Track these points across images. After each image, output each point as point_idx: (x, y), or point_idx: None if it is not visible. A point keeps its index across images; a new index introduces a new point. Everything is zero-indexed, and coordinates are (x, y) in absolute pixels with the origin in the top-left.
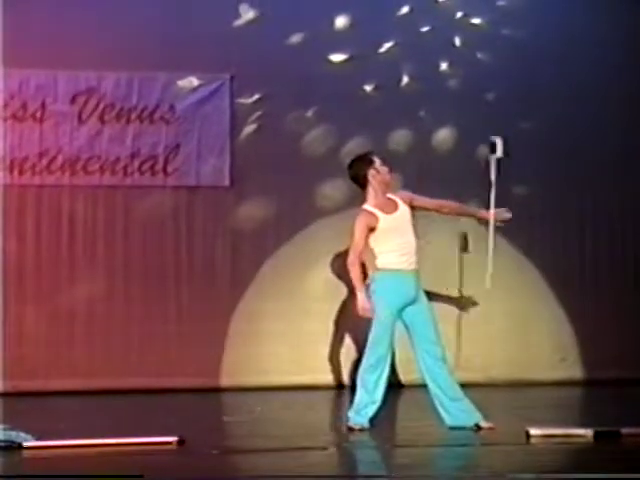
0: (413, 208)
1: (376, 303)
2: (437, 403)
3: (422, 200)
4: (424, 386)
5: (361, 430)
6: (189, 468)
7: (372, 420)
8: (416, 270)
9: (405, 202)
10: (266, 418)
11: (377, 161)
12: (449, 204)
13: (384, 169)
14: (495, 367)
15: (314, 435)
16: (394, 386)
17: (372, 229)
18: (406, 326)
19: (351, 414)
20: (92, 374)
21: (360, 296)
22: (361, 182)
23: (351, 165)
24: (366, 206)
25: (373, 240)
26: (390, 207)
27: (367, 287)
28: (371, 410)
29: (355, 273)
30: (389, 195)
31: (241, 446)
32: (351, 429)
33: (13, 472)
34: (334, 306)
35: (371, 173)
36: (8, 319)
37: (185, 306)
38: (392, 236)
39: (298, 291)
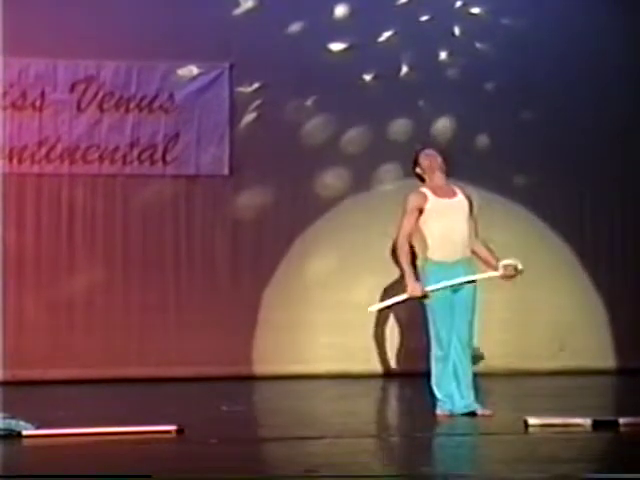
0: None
1: (429, 303)
2: (454, 386)
3: (471, 219)
4: (421, 375)
5: (450, 416)
6: (188, 457)
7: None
8: (466, 258)
9: (466, 197)
10: (264, 408)
11: (422, 154)
12: (480, 247)
13: (424, 157)
14: (494, 356)
15: (313, 424)
16: (390, 375)
17: (421, 210)
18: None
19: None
20: (91, 363)
21: (409, 281)
22: (420, 177)
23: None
24: (421, 188)
25: (422, 222)
26: (446, 193)
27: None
28: (458, 397)
29: (403, 256)
30: (452, 185)
31: (240, 435)
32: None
33: (13, 461)
34: (336, 295)
35: (416, 170)
36: (7, 308)
37: (184, 295)
38: (440, 219)
39: (297, 280)
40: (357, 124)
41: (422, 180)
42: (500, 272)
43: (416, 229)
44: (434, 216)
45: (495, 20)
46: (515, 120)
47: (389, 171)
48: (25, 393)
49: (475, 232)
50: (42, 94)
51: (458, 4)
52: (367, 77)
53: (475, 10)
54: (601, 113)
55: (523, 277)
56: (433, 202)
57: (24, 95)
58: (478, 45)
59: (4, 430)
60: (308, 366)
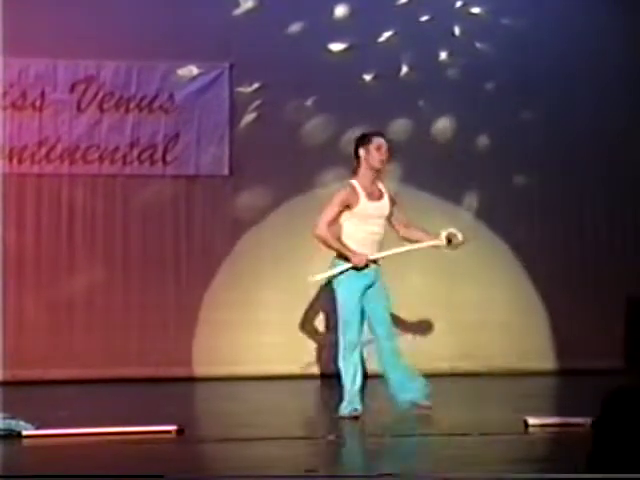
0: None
1: (338, 288)
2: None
3: (400, 212)
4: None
5: (355, 418)
6: (188, 457)
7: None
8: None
9: (390, 198)
10: (265, 407)
11: (374, 143)
12: (417, 232)
13: (377, 154)
14: (494, 356)
15: (312, 424)
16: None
17: (348, 206)
18: (364, 311)
19: (343, 403)
20: (91, 363)
21: (349, 253)
22: (355, 157)
23: (356, 140)
24: (353, 181)
25: (346, 219)
26: (375, 194)
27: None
28: (359, 397)
29: (329, 240)
30: (379, 184)
31: (240, 435)
32: (343, 418)
33: (13, 461)
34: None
35: (361, 152)
36: (7, 308)
37: (184, 295)
38: (364, 223)
39: (297, 280)
40: (357, 124)
41: (357, 163)
42: (443, 241)
43: (335, 223)
44: (358, 219)
45: (495, 20)
46: (515, 120)
47: (389, 171)
48: (25, 393)
49: (407, 222)
50: (42, 94)
51: (458, 4)
52: (367, 77)
53: (475, 10)
54: (601, 113)
55: (523, 276)
56: (363, 205)
57: (24, 95)
58: (478, 45)
59: (4, 430)
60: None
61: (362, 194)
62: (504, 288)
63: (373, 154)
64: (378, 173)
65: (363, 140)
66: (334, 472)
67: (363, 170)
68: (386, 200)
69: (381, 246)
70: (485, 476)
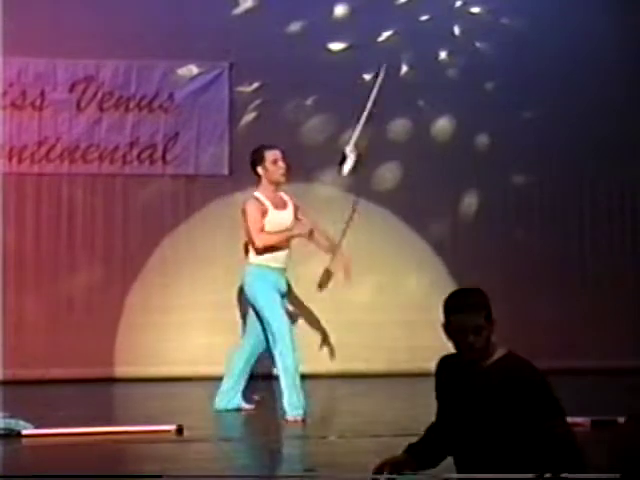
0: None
1: (256, 292)
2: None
3: (305, 217)
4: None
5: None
6: (187, 456)
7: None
8: (285, 269)
9: (293, 205)
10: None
11: (269, 159)
12: (322, 236)
13: (275, 168)
14: None
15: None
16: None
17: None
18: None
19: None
20: (91, 362)
21: (294, 231)
22: (253, 172)
23: (250, 154)
24: (256, 194)
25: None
26: (279, 203)
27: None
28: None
29: (272, 238)
30: (281, 193)
31: (238, 434)
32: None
33: (12, 460)
34: (338, 295)
35: (259, 170)
36: (7, 307)
37: (184, 295)
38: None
39: (299, 278)
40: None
41: (258, 179)
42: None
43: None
44: (269, 229)
45: (495, 20)
46: (515, 120)
47: (389, 170)
48: (25, 392)
49: (313, 226)
50: (42, 94)
51: (458, 4)
52: (367, 77)
53: (475, 10)
54: (600, 112)
55: (523, 274)
56: (271, 215)
57: (24, 95)
58: (478, 45)
59: (4, 429)
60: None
61: (269, 205)
62: (501, 287)
63: (271, 169)
64: (277, 185)
65: (257, 157)
66: (334, 472)
67: (265, 184)
68: (290, 209)
69: (288, 257)
70: (483, 476)
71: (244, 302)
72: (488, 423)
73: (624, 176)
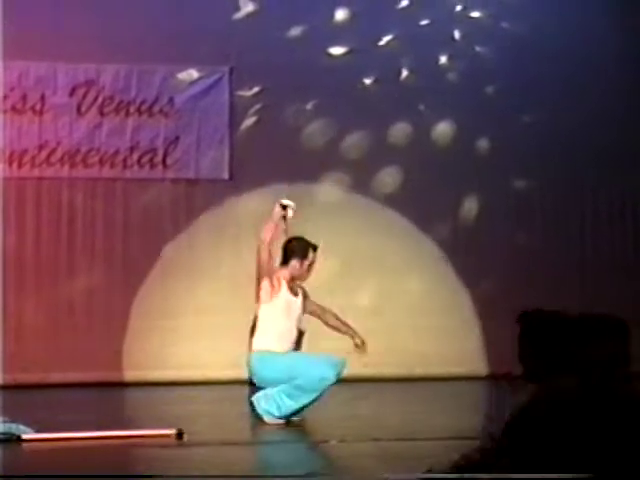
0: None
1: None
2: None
3: (313, 305)
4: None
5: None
6: (188, 460)
7: None
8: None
9: (303, 295)
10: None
11: (309, 260)
12: (331, 316)
13: (306, 273)
14: (494, 360)
15: (311, 427)
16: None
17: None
18: None
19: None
20: (91, 366)
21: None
22: (286, 259)
23: (292, 241)
24: (282, 272)
25: (264, 311)
26: (295, 290)
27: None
28: None
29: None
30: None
31: (240, 439)
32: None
33: (13, 464)
34: (341, 299)
35: (293, 262)
36: (8, 311)
37: (185, 299)
38: (282, 317)
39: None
40: (357, 128)
41: (284, 261)
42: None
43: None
44: (279, 309)
45: (495, 24)
46: (515, 124)
47: (389, 175)
48: (25, 397)
49: (321, 311)
50: (42, 98)
51: (458, 8)
52: (367, 81)
53: (475, 14)
54: (601, 116)
55: (523, 279)
56: (283, 293)
57: (24, 99)
58: (478, 49)
59: (4, 434)
60: None
61: (284, 284)
62: (502, 291)
63: (304, 270)
64: (300, 280)
65: (299, 251)
66: (335, 476)
67: (289, 273)
68: (301, 297)
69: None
70: (485, 476)
71: (246, 306)
72: None
73: (625, 180)
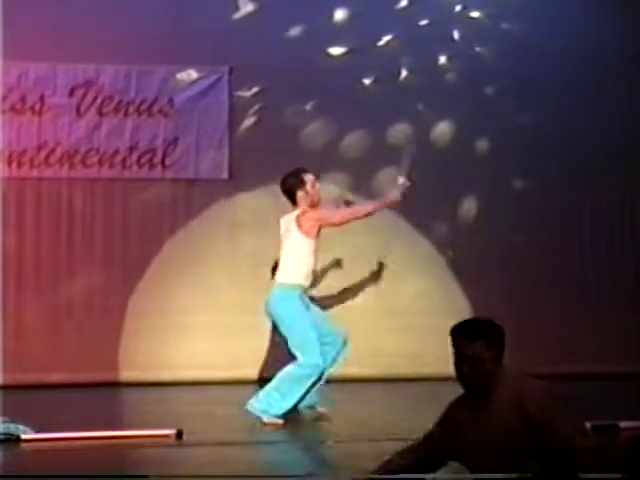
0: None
1: (291, 311)
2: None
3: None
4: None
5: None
6: (187, 460)
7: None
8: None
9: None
10: None
11: (308, 182)
12: (355, 210)
13: (315, 191)
14: None
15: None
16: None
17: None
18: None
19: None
20: (91, 367)
21: (383, 203)
22: (291, 199)
23: (284, 181)
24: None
25: (307, 246)
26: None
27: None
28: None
29: (357, 211)
30: None
31: (238, 439)
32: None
33: (12, 464)
34: (338, 299)
35: (300, 194)
36: (7, 312)
37: (184, 298)
38: (313, 257)
39: None
40: (356, 128)
41: (293, 203)
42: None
43: (298, 249)
44: (314, 247)
45: (494, 24)
46: (515, 124)
47: (388, 175)
48: (24, 397)
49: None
50: (41, 98)
51: (458, 8)
52: (366, 81)
53: (474, 14)
54: (600, 116)
55: (522, 280)
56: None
57: (23, 99)
58: (477, 49)
59: (3, 434)
60: None
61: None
62: (500, 292)
63: (311, 192)
64: (315, 207)
65: (295, 182)
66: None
67: (305, 207)
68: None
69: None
70: (483, 476)
71: (245, 305)
72: (505, 458)
73: (625, 180)
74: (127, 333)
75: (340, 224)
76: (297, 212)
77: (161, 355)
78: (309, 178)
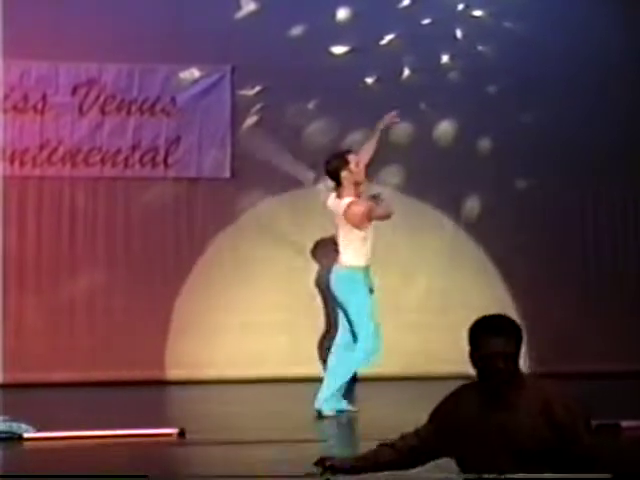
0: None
1: (351, 293)
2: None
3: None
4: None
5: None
6: (190, 459)
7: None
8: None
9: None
10: (267, 410)
11: (352, 162)
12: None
13: (358, 169)
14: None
15: (312, 427)
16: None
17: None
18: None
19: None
20: (92, 366)
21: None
22: (336, 180)
23: (328, 162)
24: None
25: (365, 234)
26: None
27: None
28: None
29: (381, 209)
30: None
31: (241, 438)
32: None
33: (14, 463)
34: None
35: (344, 174)
36: (8, 311)
37: (186, 297)
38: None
39: (299, 283)
40: (359, 127)
41: (337, 183)
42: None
43: (353, 236)
44: (369, 230)
45: (497, 23)
46: (517, 123)
47: (390, 174)
48: (26, 396)
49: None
50: (44, 97)
51: (460, 7)
52: (369, 80)
53: (477, 13)
54: (603, 116)
55: (525, 279)
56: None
57: (25, 98)
58: (480, 48)
59: (5, 433)
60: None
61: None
62: (504, 291)
63: (355, 171)
64: (359, 186)
65: (339, 163)
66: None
67: (349, 187)
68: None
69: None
70: (482, 476)
71: (244, 303)
72: (522, 456)
73: (627, 180)
74: (128, 332)
75: (384, 218)
76: (345, 201)
77: (163, 354)
78: (352, 157)
